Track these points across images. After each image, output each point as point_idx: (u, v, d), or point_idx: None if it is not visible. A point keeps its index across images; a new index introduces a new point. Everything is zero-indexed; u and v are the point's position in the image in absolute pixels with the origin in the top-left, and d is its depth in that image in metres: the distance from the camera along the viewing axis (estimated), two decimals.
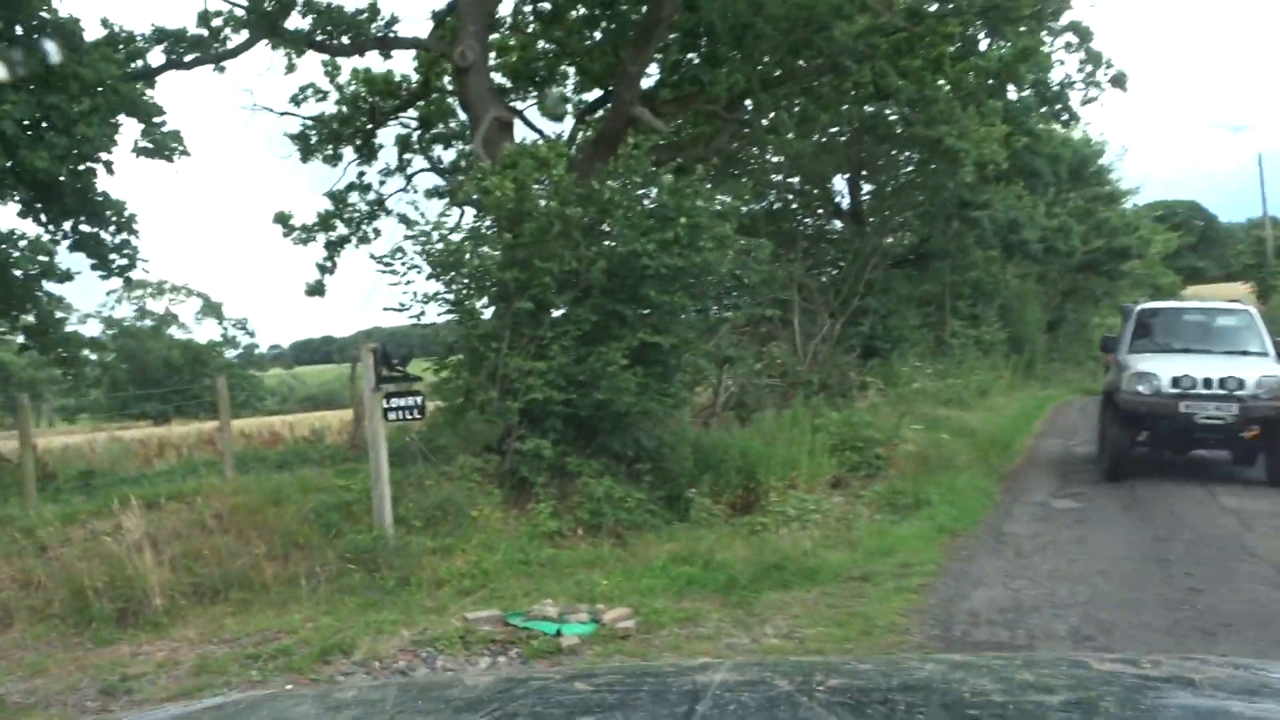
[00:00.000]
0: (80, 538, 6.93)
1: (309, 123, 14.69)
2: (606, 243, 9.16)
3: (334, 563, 6.86)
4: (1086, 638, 5.03)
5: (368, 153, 15.32)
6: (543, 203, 9.05)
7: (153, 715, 1.35)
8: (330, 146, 15.10)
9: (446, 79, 13.16)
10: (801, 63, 12.16)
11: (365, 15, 11.07)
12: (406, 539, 7.16)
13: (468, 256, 8.93)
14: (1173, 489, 9.63)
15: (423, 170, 15.21)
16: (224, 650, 5.56)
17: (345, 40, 11.32)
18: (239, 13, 11.18)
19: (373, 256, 9.44)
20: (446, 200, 14.26)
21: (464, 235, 9.73)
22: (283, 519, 7.29)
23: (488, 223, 9.67)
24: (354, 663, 5.21)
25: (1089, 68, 20.33)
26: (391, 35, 11.51)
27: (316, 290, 15.63)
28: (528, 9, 11.70)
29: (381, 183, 15.43)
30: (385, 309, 10.17)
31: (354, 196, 15.37)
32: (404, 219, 15.34)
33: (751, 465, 9.39)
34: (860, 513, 8.61)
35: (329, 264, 15.44)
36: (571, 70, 12.52)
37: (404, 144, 15.44)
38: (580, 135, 13.62)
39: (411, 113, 14.97)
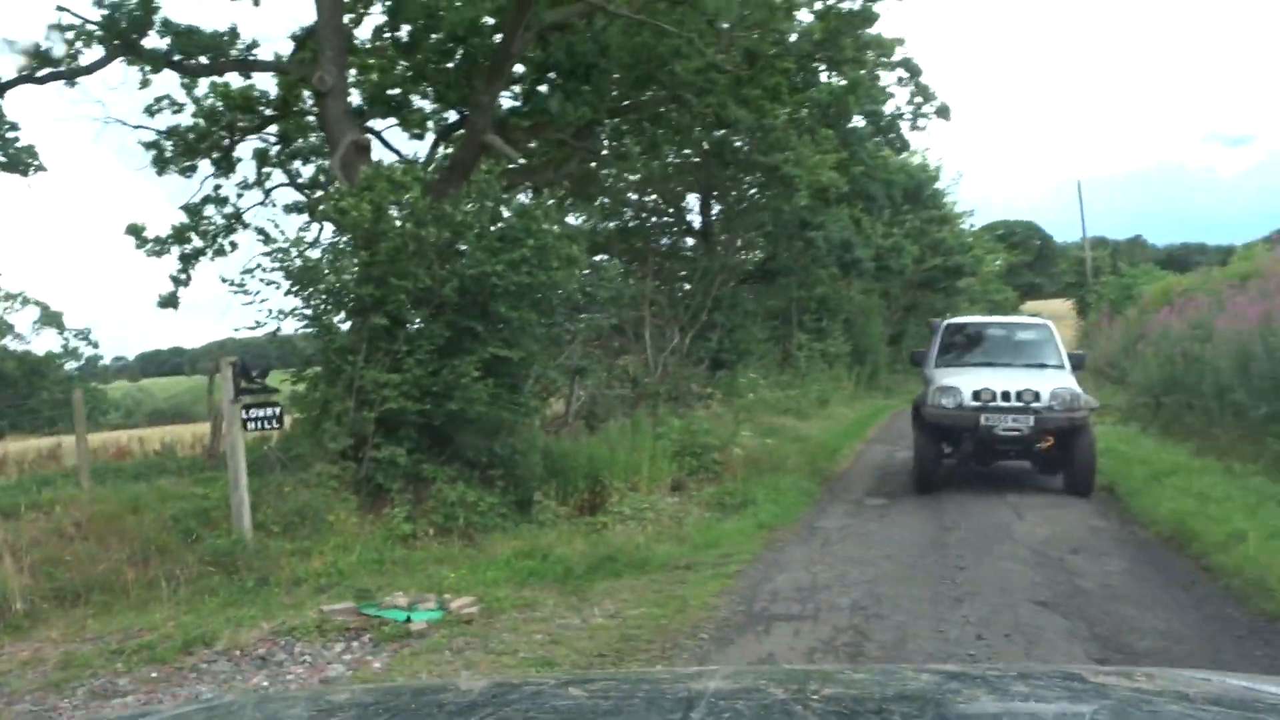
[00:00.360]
0: None
1: (164, 134, 14.68)
2: (460, 262, 9.74)
3: (194, 566, 7.22)
4: (862, 607, 5.94)
5: (225, 166, 15.38)
6: (399, 223, 9.56)
7: (139, 715, 1.35)
8: (186, 159, 15.11)
9: (307, 96, 13.46)
10: (647, 94, 13.00)
11: (225, 37, 11.34)
12: (265, 542, 7.57)
13: (326, 274, 9.34)
14: (969, 488, 10.75)
15: (281, 185, 15.36)
16: (88, 647, 5.88)
17: (204, 60, 11.54)
18: (92, 28, 11.26)
19: (224, 279, 9.74)
20: (305, 215, 14.54)
21: (322, 251, 10.13)
22: (142, 526, 7.60)
23: (345, 240, 10.10)
24: (216, 652, 5.64)
25: (918, 100, 21.89)
26: (251, 58, 11.80)
27: (170, 302, 15.58)
28: (386, 36, 12.13)
29: (239, 196, 15.50)
30: (236, 329, 10.45)
31: (210, 209, 15.40)
32: (262, 233, 15.53)
33: (597, 470, 10.13)
34: (692, 511, 9.46)
35: (183, 276, 15.43)
36: (430, 93, 13.01)
37: (262, 158, 15.57)
38: (441, 150, 14.12)
39: (271, 128, 15.13)
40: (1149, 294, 24.30)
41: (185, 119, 14.41)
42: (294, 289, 9.58)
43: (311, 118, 13.82)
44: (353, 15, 12.29)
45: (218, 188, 15.38)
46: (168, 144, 14.74)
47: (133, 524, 7.62)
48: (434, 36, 11.71)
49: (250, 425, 7.70)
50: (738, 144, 17.84)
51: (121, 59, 11.29)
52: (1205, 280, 21.03)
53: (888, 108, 22.28)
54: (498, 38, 11.40)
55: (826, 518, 9.43)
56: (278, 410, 7.83)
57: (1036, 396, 10.11)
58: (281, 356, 11.40)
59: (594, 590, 6.70)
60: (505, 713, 1.34)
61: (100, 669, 5.54)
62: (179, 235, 15.20)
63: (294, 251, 9.70)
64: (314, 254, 9.94)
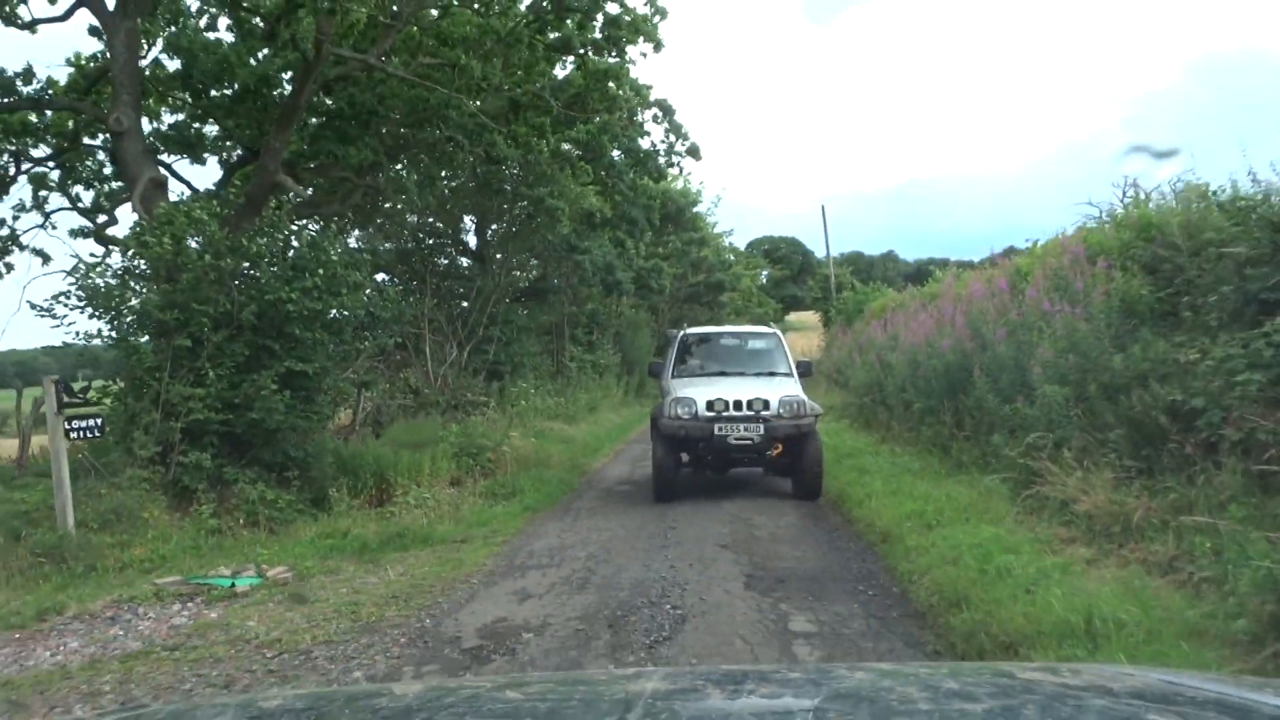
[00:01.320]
0: None
1: None
2: (256, 290, 10.94)
3: (25, 558, 8.21)
4: (594, 556, 7.86)
5: None
6: (198, 255, 10.67)
7: None
8: None
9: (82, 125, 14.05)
10: (424, 134, 14.57)
11: (19, 77, 11.98)
12: (88, 537, 8.62)
13: (131, 301, 10.35)
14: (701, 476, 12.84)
15: (62, 209, 15.75)
16: None
17: None
18: None
19: (31, 304, 10.53)
20: (92, 240, 15.08)
21: (116, 274, 10.95)
22: None
23: (141, 264, 10.99)
24: (69, 617, 6.82)
25: (672, 138, 24.37)
26: (46, 97, 12.46)
27: None
28: (174, 80, 13.05)
29: (15, 218, 15.74)
30: (45, 348, 11.15)
31: None
32: (40, 253, 15.91)
33: (384, 469, 11.61)
34: (468, 500, 11.14)
35: None
36: (220, 129, 14.00)
37: (39, 183, 15.89)
38: (234, 178, 15.01)
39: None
40: (871, 309, 27.98)
41: None
42: (98, 313, 10.54)
43: (95, 146, 14.46)
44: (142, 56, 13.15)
45: None
46: None
47: None
48: (227, 88, 12.77)
49: (73, 435, 8.74)
50: (508, 176, 19.57)
51: None
52: (912, 298, 24.70)
53: (645, 144, 24.70)
54: (286, 76, 12.69)
55: (580, 501, 11.35)
56: (99, 421, 8.91)
57: (766, 405, 10.45)
58: (62, 369, 12.06)
59: (387, 559, 8.30)
60: (440, 717, 1.33)
61: None
62: None
63: (93, 278, 10.67)
64: (111, 280, 10.88)
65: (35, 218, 15.88)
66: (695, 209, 37.72)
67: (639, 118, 22.89)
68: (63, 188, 15.85)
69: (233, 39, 12.73)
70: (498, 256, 23.55)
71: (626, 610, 6.05)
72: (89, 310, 10.47)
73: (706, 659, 4.93)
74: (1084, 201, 12.13)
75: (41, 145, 15.07)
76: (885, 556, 7.21)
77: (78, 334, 10.43)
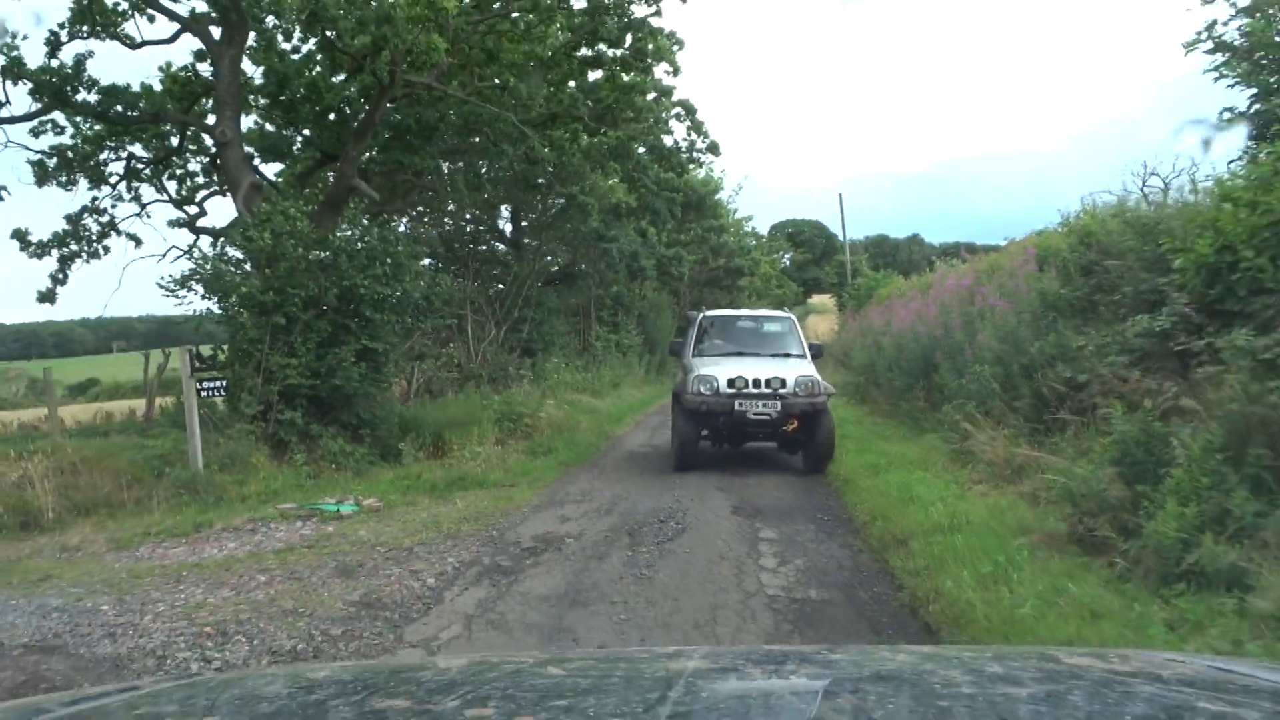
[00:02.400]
0: None
1: (47, 153, 16.98)
2: (336, 276, 13.07)
3: (168, 490, 10.41)
4: (617, 495, 9.96)
5: (98, 178, 17.80)
6: (291, 247, 12.79)
7: (118, 691, 1.43)
8: (64, 174, 17.49)
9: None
10: (474, 140, 16.67)
11: (141, 95, 14.13)
12: (213, 476, 10.83)
13: (242, 287, 12.51)
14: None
15: (156, 201, 17.95)
16: (125, 533, 9.06)
17: (120, 110, 14.27)
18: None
19: (159, 284, 12.73)
20: (187, 229, 17.32)
21: (213, 259, 13.13)
22: (121, 465, 10.69)
23: (230, 250, 13.20)
24: (217, 530, 8.98)
25: (693, 135, 26.29)
26: (164, 112, 14.63)
27: (48, 298, 17.94)
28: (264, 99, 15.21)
29: (113, 206, 17.96)
30: (81, 320, 13.32)
31: (87, 219, 17.80)
32: (133, 237, 18.18)
33: (440, 430, 13.76)
34: (512, 456, 13.27)
35: (61, 276, 17.83)
36: (303, 137, 16.20)
37: (132, 174, 18.09)
38: (313, 176, 17.12)
39: (141, 149, 17.71)
40: (878, 295, 29.91)
41: (65, 139, 16.79)
42: (208, 295, 12.75)
43: (193, 150, 16.65)
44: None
45: (95, 199, 17.82)
46: (51, 160, 17.10)
47: (113, 464, 10.69)
48: (308, 109, 14.91)
49: (203, 394, 10.93)
50: (543, 172, 21.61)
51: (55, 111, 13.95)
52: (911, 287, 26.59)
53: (668, 141, 26.65)
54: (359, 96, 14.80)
55: (606, 459, 13.47)
56: (224, 383, 11.10)
57: (783, 384, 11.12)
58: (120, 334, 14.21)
59: (453, 496, 10.44)
60: (484, 691, 1.35)
61: (142, 542, 8.77)
62: (60, 240, 17.58)
63: (205, 264, 12.87)
64: (220, 264, 13.07)
65: (132, 206, 18.13)
66: (716, 196, 39.60)
67: (663, 116, 24.86)
68: (153, 181, 18.06)
69: (309, 59, 14.84)
70: (531, 244, 25.68)
71: (641, 525, 8.15)
72: (203, 291, 12.69)
73: (697, 548, 7.03)
74: (1101, 190, 14.11)
75: (137, 145, 17.30)
76: (841, 495, 9.28)
77: (194, 311, 12.62)
